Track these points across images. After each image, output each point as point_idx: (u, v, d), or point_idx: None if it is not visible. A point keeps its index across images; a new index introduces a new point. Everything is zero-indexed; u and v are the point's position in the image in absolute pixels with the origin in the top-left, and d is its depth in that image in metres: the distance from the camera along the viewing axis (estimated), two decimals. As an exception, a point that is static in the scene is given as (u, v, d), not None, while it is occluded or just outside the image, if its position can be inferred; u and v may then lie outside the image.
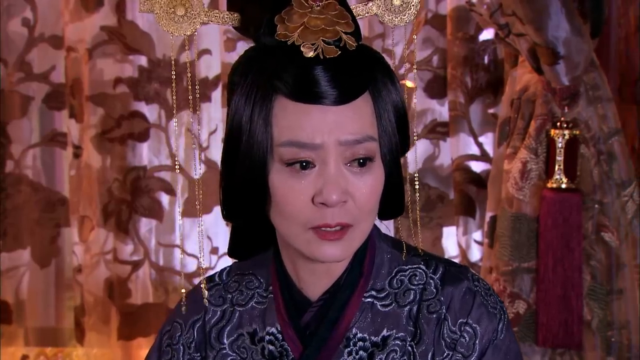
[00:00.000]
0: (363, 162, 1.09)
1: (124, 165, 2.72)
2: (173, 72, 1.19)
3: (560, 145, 2.05)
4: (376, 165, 1.11)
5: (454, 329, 1.16)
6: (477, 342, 1.15)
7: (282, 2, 1.08)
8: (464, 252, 2.57)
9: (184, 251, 2.74)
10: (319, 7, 1.07)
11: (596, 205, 2.07)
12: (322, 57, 1.06)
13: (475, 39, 2.48)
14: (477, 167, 2.58)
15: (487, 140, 2.56)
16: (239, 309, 1.24)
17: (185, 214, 2.75)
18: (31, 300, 2.80)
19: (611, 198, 2.07)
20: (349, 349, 1.17)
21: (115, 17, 2.66)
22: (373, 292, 1.19)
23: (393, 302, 1.18)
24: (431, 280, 1.19)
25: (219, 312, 1.25)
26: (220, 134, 2.68)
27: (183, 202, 2.74)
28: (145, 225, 2.75)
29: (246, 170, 1.09)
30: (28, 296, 2.80)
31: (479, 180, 2.56)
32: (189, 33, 1.12)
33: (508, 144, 2.16)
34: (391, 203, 1.16)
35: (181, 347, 1.25)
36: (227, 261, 2.70)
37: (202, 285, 1.22)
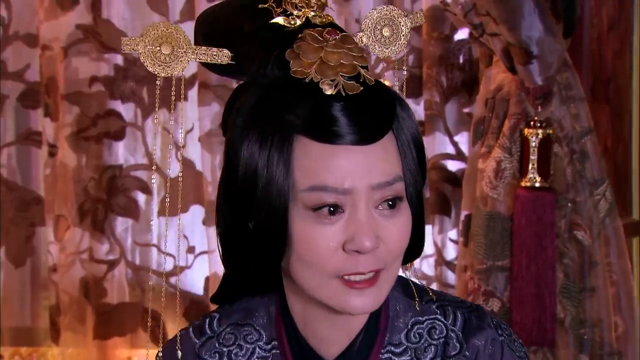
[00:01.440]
0: (393, 203, 1.02)
1: (99, 164, 2.72)
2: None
3: (533, 144, 2.07)
4: (404, 205, 1.03)
5: None
6: None
7: (289, 36, 1.01)
8: (439, 251, 2.59)
9: (160, 250, 2.74)
10: (334, 41, 1.00)
11: (569, 204, 2.10)
12: (343, 94, 0.99)
13: (451, 39, 2.50)
14: (452, 166, 2.60)
15: (463, 140, 2.58)
16: None
17: (162, 213, 2.75)
18: (6, 299, 2.79)
19: (584, 197, 2.10)
20: None
21: (91, 15, 2.66)
22: (391, 347, 1.11)
23: (413, 359, 1.10)
24: (452, 334, 1.11)
25: None
26: (197, 133, 2.68)
27: (159, 201, 2.75)
28: (122, 224, 2.75)
29: (264, 219, 1.00)
30: (3, 295, 2.79)
31: (455, 179, 2.58)
32: (176, 72, 1.05)
33: (482, 143, 2.18)
34: (413, 244, 1.07)
35: None
36: (203, 261, 2.75)
37: (177, 341, 1.12)
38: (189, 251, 2.75)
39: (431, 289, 1.14)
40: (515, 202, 2.09)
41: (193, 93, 2.69)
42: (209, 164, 2.63)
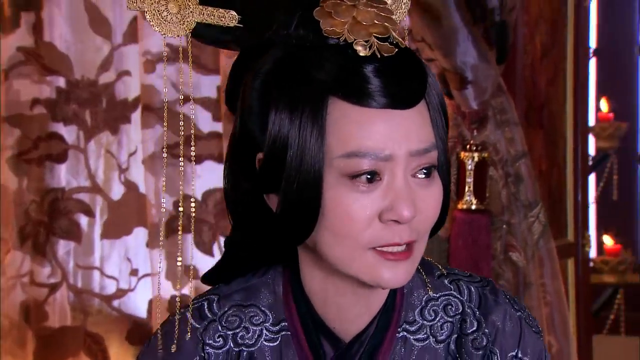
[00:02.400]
0: (428, 172, 0.97)
1: (41, 186, 2.72)
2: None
3: (469, 167, 2.13)
4: (436, 174, 0.99)
5: None
6: None
7: None
8: (381, 272, 2.64)
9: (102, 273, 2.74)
10: (365, 0, 0.95)
11: (504, 226, 2.16)
12: (378, 55, 0.93)
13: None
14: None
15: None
16: (246, 349, 1.06)
17: (105, 235, 2.76)
18: (-56, 324, 2.77)
19: (518, 219, 2.16)
20: None
21: (32, 38, 2.67)
22: (406, 326, 1.06)
23: (429, 337, 1.06)
24: (469, 310, 1.07)
25: (221, 356, 1.06)
26: (140, 156, 2.70)
27: (102, 224, 2.76)
28: (64, 247, 2.75)
29: (296, 190, 0.95)
30: (-59, 320, 2.77)
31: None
32: (182, 34, 0.98)
33: (420, 165, 2.23)
34: (439, 216, 1.01)
35: None
36: (146, 283, 2.76)
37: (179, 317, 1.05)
38: (132, 274, 2.76)
39: (442, 266, 1.10)
40: (452, 225, 2.14)
41: (136, 116, 2.71)
42: (152, 187, 2.65)
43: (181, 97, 1.06)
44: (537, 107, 2.41)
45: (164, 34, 0.98)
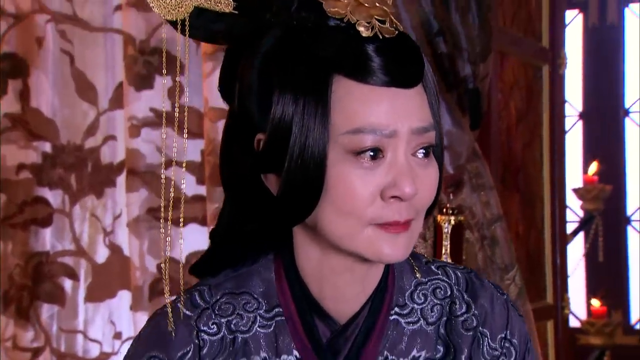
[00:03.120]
0: (426, 152, 1.01)
1: (26, 250, 2.75)
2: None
3: (446, 230, 2.18)
4: (433, 156, 1.02)
5: (494, 345, 1.10)
6: (517, 356, 1.11)
7: None
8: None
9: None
10: None
11: (481, 289, 2.20)
12: (380, 36, 0.98)
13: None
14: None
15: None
16: (241, 335, 1.07)
17: (89, 298, 2.79)
18: None
19: (495, 281, 2.20)
20: None
21: (19, 104, 2.74)
22: (397, 309, 1.10)
23: (419, 319, 1.10)
24: (457, 293, 1.11)
25: (215, 343, 1.07)
26: (124, 219, 2.75)
27: (86, 287, 2.79)
28: (47, 310, 2.77)
29: (300, 167, 0.97)
30: None
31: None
32: (181, 17, 1.00)
33: (399, 229, 2.28)
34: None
35: None
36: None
37: (171, 307, 1.06)
38: (116, 337, 2.78)
39: (427, 257, 1.14)
40: (430, 287, 2.18)
41: (121, 179, 2.76)
42: (137, 249, 2.68)
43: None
44: (514, 171, 2.47)
45: (164, 15, 1.00)
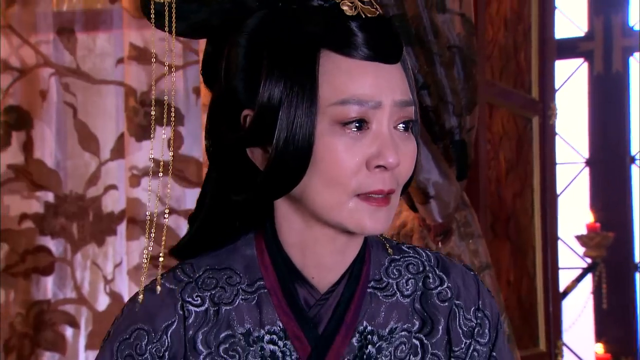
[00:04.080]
0: (406, 126, 1.06)
1: (27, 299, 2.83)
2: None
3: (436, 278, 2.24)
4: (411, 132, 1.08)
5: (469, 316, 1.15)
6: (491, 327, 1.16)
7: None
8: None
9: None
10: None
11: (470, 336, 2.24)
12: (363, 16, 1.04)
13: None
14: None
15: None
16: (225, 307, 1.11)
17: (90, 346, 2.85)
18: None
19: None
20: (360, 343, 1.11)
21: (23, 155, 2.84)
22: (374, 283, 1.14)
23: (396, 292, 1.14)
24: (430, 269, 1.17)
25: (200, 314, 1.11)
26: (124, 267, 2.82)
27: (87, 335, 2.85)
28: (48, 359, 2.83)
29: (289, 138, 1.02)
30: None
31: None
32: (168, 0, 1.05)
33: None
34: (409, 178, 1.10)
35: (149, 356, 1.09)
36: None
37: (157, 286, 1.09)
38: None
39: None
40: (420, 335, 2.22)
41: (122, 228, 2.85)
42: (137, 298, 2.74)
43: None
44: (504, 220, 2.52)
45: None
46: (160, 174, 1.09)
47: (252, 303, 1.11)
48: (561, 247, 5.10)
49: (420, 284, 1.16)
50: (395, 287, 1.15)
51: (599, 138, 5.26)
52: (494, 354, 1.17)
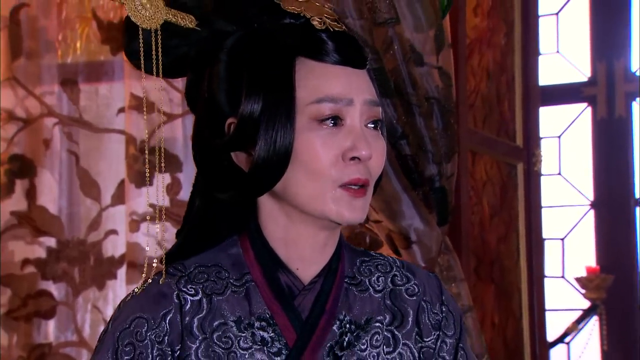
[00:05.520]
0: (375, 125, 1.21)
1: (29, 342, 2.92)
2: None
3: (420, 321, 2.31)
4: (380, 131, 1.22)
5: (436, 310, 1.29)
6: (455, 322, 1.30)
7: None
8: None
9: None
10: None
11: (452, 377, 2.31)
12: (331, 29, 1.20)
13: (354, 226, 2.79)
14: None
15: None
16: (217, 297, 1.21)
17: (91, 388, 2.93)
18: None
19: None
20: (340, 330, 1.22)
21: (26, 202, 2.95)
22: (348, 279, 1.26)
23: (369, 288, 1.27)
24: (397, 269, 1.29)
25: (195, 302, 1.20)
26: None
27: (88, 377, 2.95)
28: (50, 401, 2.93)
29: (274, 136, 1.16)
30: None
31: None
32: (152, 27, 1.18)
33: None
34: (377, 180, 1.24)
35: (149, 342, 1.18)
36: None
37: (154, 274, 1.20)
38: None
39: None
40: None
41: (122, 272, 2.95)
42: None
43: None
44: (488, 263, 2.60)
45: (139, 24, 1.18)
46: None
47: (241, 295, 1.21)
48: (567, 289, 5.17)
49: (389, 281, 1.28)
50: (367, 283, 1.27)
51: (604, 181, 5.33)
52: (461, 345, 1.30)
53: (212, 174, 1.22)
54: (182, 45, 1.22)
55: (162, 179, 1.28)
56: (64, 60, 3.05)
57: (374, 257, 1.32)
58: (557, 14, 5.61)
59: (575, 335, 4.62)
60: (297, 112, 1.17)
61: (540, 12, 5.46)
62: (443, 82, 2.19)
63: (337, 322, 1.23)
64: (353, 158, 1.17)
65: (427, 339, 1.28)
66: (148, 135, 1.28)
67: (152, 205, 1.22)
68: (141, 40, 1.19)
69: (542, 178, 5.29)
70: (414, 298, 1.28)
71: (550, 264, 5.39)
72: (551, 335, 4.72)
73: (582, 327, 4.50)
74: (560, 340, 4.38)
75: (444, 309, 1.30)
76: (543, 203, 5.18)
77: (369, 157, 1.18)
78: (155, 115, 2.82)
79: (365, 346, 1.24)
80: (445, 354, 1.29)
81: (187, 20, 1.22)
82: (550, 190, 5.46)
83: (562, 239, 5.42)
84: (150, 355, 1.18)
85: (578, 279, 4.25)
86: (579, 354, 4.34)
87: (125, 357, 1.18)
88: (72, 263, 2.97)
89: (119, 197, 2.97)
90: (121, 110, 2.97)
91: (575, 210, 5.47)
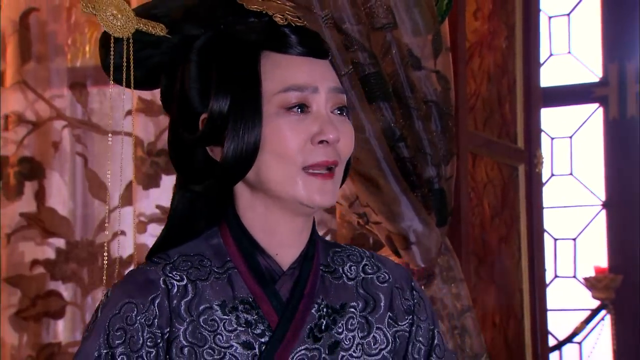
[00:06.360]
0: (341, 111, 1.27)
1: (38, 342, 2.96)
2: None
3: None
4: (347, 118, 1.29)
5: (407, 296, 1.35)
6: (427, 307, 1.37)
7: None
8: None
9: None
10: None
11: (452, 376, 2.35)
12: (293, 25, 1.27)
13: (356, 228, 2.83)
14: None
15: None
16: (201, 283, 1.26)
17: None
18: None
19: (465, 369, 2.36)
20: (319, 313, 1.28)
21: (35, 204, 3.01)
22: (323, 268, 1.33)
23: (342, 276, 1.33)
24: (367, 260, 1.37)
25: (181, 287, 1.25)
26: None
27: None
28: (59, 400, 2.99)
29: (243, 125, 1.22)
30: None
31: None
32: (125, 36, 1.25)
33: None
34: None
35: (139, 326, 1.22)
36: None
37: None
38: None
39: None
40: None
41: (130, 274, 2.99)
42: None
43: None
44: (489, 263, 2.63)
45: (112, 33, 1.25)
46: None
47: (224, 281, 1.27)
48: (579, 289, 5.19)
49: (360, 270, 1.35)
50: (341, 271, 1.34)
51: (615, 181, 5.35)
52: (437, 329, 1.38)
53: (188, 168, 1.29)
54: (155, 55, 1.30)
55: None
56: (73, 64, 3.11)
57: (345, 248, 1.38)
58: (568, 14, 5.64)
59: (587, 335, 4.64)
60: (265, 102, 1.23)
61: (551, 13, 5.54)
62: (441, 86, 2.23)
63: (315, 306, 1.28)
64: (321, 142, 1.24)
65: (402, 323, 1.34)
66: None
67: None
68: (112, 49, 1.25)
69: (554, 178, 5.38)
70: (386, 285, 1.34)
71: (562, 264, 5.42)
72: (563, 334, 4.75)
73: (592, 327, 4.52)
74: (568, 340, 4.40)
75: (415, 294, 1.36)
76: (555, 203, 5.25)
77: (337, 140, 1.24)
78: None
79: (341, 329, 1.29)
80: (421, 337, 1.35)
81: (157, 29, 1.28)
82: (561, 191, 5.49)
83: (574, 239, 5.44)
84: (141, 339, 1.22)
85: (586, 279, 4.27)
86: (588, 354, 4.36)
87: (117, 342, 1.21)
88: (81, 264, 3.02)
89: (128, 198, 3.00)
90: (128, 113, 3.02)
91: (587, 211, 5.49)
